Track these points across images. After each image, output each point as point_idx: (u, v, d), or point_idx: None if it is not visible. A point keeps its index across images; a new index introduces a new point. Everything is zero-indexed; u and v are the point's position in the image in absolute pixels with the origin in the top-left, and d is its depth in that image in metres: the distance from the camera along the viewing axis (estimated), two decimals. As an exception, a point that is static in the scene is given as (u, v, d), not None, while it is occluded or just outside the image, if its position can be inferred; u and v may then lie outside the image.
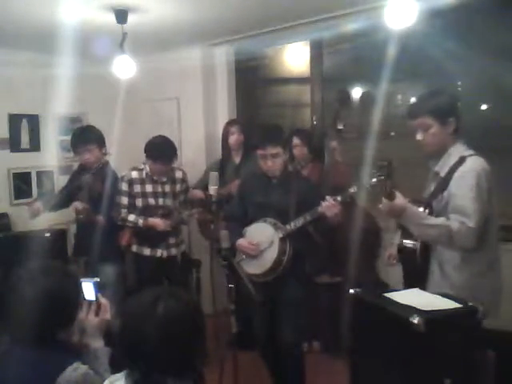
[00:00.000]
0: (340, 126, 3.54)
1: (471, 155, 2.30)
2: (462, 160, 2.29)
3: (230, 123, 4.20)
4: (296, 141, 3.77)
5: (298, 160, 3.79)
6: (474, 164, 2.26)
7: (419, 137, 2.39)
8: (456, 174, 2.28)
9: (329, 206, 2.71)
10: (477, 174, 2.22)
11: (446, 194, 2.31)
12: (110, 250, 3.57)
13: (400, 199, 2.24)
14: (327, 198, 2.74)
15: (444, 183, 2.33)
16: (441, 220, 2.26)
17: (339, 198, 2.71)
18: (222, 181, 3.95)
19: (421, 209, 2.36)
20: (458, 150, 2.34)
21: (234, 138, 4.05)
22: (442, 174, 2.36)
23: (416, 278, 2.42)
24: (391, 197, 2.22)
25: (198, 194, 4.02)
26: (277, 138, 2.94)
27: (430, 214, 2.33)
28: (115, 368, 1.69)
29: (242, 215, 3.09)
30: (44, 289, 1.67)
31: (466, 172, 2.25)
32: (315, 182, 3.45)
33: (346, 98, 3.87)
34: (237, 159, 4.10)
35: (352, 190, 2.68)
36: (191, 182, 4.16)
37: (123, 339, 1.46)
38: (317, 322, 3.83)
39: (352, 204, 2.97)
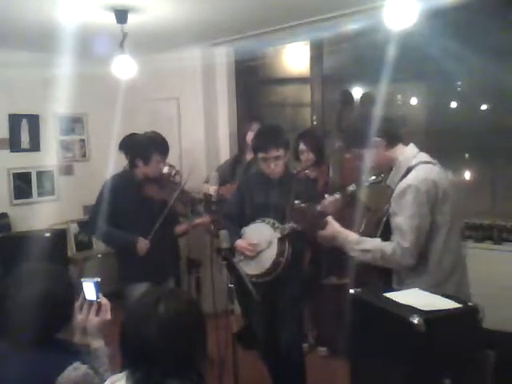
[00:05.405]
0: (343, 126, 3.53)
1: (418, 163, 2.21)
2: (407, 172, 2.20)
3: (251, 120, 4.16)
4: (302, 146, 3.68)
5: (303, 163, 3.68)
6: (415, 176, 2.16)
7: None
8: (395, 191, 2.20)
9: (331, 202, 2.70)
10: (414, 188, 2.12)
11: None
12: (175, 261, 3.59)
13: (330, 228, 2.36)
14: (326, 196, 2.73)
15: None
16: (375, 243, 2.25)
17: (337, 196, 2.67)
18: (233, 178, 3.98)
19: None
20: (405, 159, 2.25)
21: (252, 135, 4.00)
22: (394, 188, 2.26)
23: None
24: (323, 226, 2.36)
25: (204, 189, 3.98)
26: (279, 141, 2.90)
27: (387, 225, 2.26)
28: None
29: (238, 215, 3.07)
30: (35, 290, 1.67)
31: (402, 188, 2.16)
32: (324, 183, 3.43)
33: (348, 98, 3.89)
34: (248, 156, 4.03)
35: (351, 188, 2.64)
36: (191, 183, 4.16)
37: (124, 339, 1.46)
38: (323, 324, 3.81)
39: (354, 203, 2.95)
